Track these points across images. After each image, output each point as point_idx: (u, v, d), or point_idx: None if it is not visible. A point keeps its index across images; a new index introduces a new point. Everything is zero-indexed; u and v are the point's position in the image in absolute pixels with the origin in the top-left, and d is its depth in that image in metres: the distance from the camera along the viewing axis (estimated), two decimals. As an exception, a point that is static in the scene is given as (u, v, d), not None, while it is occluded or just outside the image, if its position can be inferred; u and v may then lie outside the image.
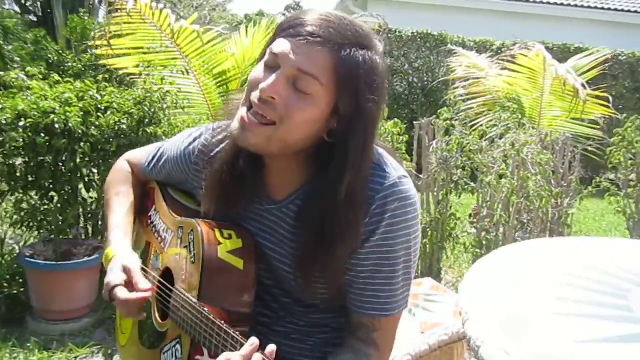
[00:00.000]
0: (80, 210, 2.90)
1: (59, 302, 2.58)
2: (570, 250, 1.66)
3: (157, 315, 1.15)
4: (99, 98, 2.84)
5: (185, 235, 1.09)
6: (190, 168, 1.18)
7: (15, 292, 2.68)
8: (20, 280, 2.72)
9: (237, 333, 0.88)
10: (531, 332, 1.11)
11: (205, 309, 0.95)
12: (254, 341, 0.83)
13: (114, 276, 1.08)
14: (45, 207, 2.73)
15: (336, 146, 0.96)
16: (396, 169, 1.03)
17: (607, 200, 3.59)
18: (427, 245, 3.26)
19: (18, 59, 6.54)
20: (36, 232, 2.84)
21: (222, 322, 0.90)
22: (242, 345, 0.85)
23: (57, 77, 3.02)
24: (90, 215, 3.00)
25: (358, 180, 0.97)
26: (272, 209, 1.07)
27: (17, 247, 2.92)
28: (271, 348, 0.83)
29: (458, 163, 3.06)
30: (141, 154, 1.33)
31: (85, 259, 2.62)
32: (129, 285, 1.08)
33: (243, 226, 1.10)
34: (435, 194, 3.23)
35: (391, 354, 1.09)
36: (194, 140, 1.19)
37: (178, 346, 1.04)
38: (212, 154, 1.12)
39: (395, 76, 7.56)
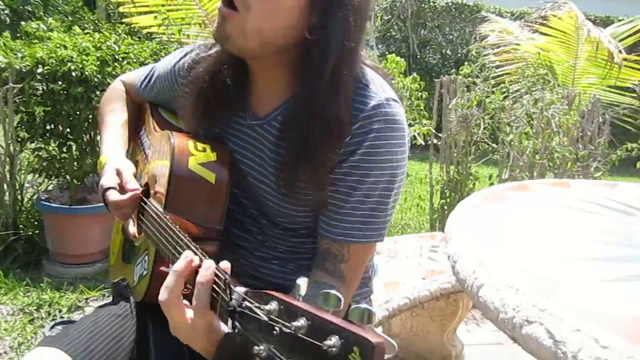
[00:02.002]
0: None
1: (73, 246, 2.64)
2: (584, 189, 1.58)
3: (135, 230, 1.14)
4: (117, 49, 2.86)
5: (162, 147, 1.07)
6: (177, 83, 1.15)
7: (31, 234, 2.75)
8: (37, 224, 2.79)
9: (189, 239, 0.83)
10: (514, 248, 1.05)
11: (167, 216, 0.92)
12: (187, 255, 0.76)
13: (107, 179, 1.07)
14: (64, 155, 2.78)
15: (316, 41, 0.92)
16: (385, 91, 0.98)
17: None
18: (445, 207, 3.18)
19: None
20: (55, 181, 2.90)
21: (181, 230, 0.87)
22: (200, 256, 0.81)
23: (77, 29, 3.06)
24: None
25: (340, 73, 0.92)
26: (254, 125, 1.04)
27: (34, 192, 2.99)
28: (225, 264, 0.76)
29: (478, 121, 2.96)
30: (136, 75, 1.32)
31: (99, 204, 2.65)
32: (121, 188, 1.07)
33: (221, 142, 1.07)
34: (455, 154, 3.15)
35: (354, 291, 1.04)
36: (185, 55, 1.17)
37: (146, 257, 1.02)
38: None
39: (428, 48, 7.40)
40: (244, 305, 0.62)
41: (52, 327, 2.23)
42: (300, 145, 0.94)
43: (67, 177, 2.81)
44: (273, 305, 0.57)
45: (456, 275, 1.01)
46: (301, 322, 0.52)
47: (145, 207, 1.05)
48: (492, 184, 3.15)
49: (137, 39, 3.40)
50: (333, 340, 0.49)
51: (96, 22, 6.92)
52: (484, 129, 3.05)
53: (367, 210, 0.96)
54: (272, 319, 0.56)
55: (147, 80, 1.26)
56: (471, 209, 1.26)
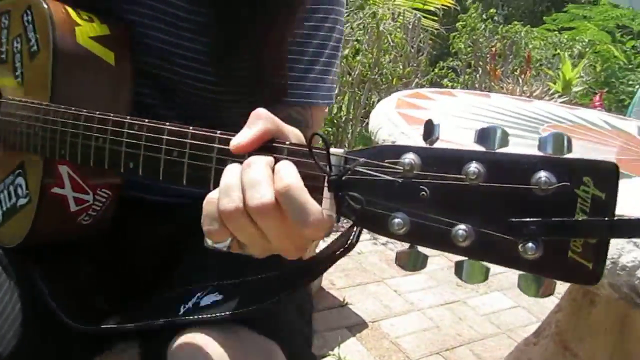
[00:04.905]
0: None
1: None
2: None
3: None
4: None
5: (17, 20, 0.73)
6: None
7: None
8: None
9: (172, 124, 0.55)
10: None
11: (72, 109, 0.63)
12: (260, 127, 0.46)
13: None
14: None
15: None
16: None
17: (445, 84, 3.71)
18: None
19: None
20: None
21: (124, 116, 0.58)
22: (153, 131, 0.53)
23: None
24: None
25: None
26: None
27: None
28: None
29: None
30: None
31: None
32: None
33: (111, 14, 0.76)
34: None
35: None
36: None
37: (20, 179, 0.71)
38: None
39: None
40: (350, 170, 0.41)
41: None
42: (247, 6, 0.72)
43: None
44: (410, 158, 0.38)
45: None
46: (473, 167, 0.36)
47: (1, 110, 0.72)
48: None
49: None
50: (542, 176, 0.34)
51: None
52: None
53: (323, 64, 0.80)
54: (419, 175, 0.38)
55: None
56: (396, 107, 1.16)
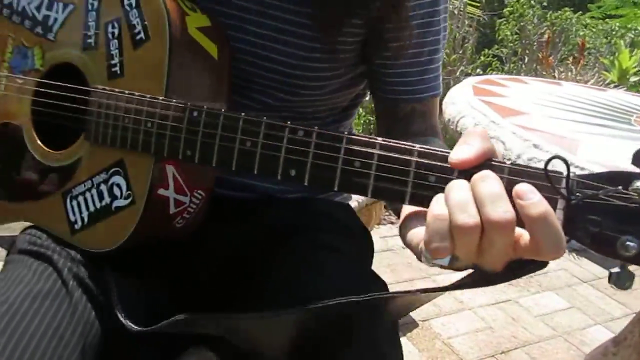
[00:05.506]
0: None
1: None
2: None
3: (38, 142, 0.71)
4: None
5: (112, 4, 0.65)
6: None
7: None
8: None
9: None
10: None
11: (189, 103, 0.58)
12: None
13: None
14: None
15: None
16: None
17: (489, 72, 3.57)
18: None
19: None
20: None
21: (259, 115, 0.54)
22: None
23: None
24: None
25: None
26: None
27: None
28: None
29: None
30: None
31: None
32: None
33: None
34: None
35: None
36: None
37: (117, 178, 0.63)
38: None
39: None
40: (593, 195, 0.41)
41: None
42: None
43: None
44: None
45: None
46: None
47: (92, 100, 0.65)
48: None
49: None
50: None
51: None
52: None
53: (440, 53, 0.76)
54: None
55: None
56: (471, 89, 1.08)
